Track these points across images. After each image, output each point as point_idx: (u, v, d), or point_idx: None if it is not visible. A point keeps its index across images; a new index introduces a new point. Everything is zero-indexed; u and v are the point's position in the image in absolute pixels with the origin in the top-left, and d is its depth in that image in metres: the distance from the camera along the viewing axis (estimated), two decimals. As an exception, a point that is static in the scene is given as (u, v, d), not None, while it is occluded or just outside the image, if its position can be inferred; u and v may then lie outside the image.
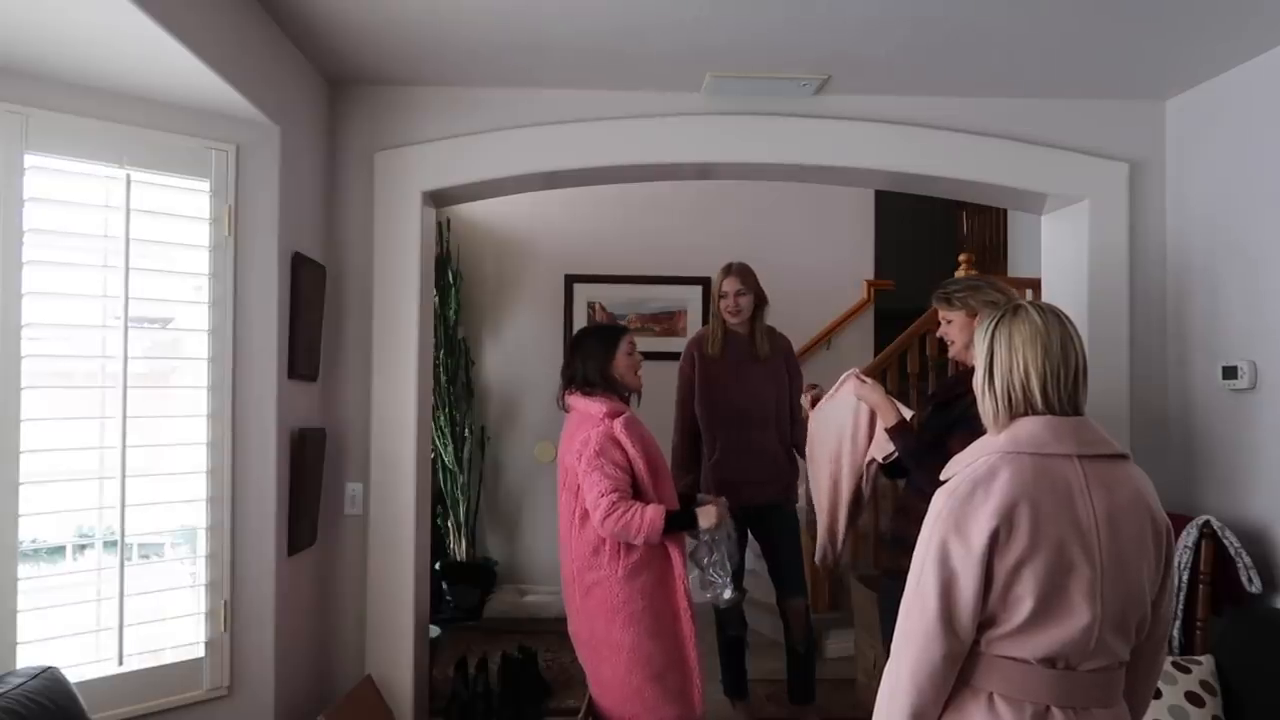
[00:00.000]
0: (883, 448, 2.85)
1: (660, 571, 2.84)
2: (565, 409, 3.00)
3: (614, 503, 2.74)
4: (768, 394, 3.53)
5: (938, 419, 2.69)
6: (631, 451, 2.81)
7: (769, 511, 3.51)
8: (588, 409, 2.87)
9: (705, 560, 2.93)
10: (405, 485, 3.39)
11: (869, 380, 2.89)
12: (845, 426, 2.99)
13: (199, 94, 2.61)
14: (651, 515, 2.74)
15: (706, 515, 2.88)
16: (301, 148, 3.12)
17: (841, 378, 3.00)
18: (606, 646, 2.84)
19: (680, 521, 2.84)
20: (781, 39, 2.99)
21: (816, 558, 3.19)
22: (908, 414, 2.80)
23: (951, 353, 2.77)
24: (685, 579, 2.86)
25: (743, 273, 3.58)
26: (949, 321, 2.71)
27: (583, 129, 3.45)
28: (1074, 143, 3.50)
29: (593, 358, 2.96)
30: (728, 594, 2.96)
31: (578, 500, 2.86)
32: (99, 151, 2.54)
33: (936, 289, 2.75)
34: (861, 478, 3.01)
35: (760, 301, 3.61)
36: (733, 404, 3.53)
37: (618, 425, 2.82)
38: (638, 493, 2.82)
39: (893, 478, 2.94)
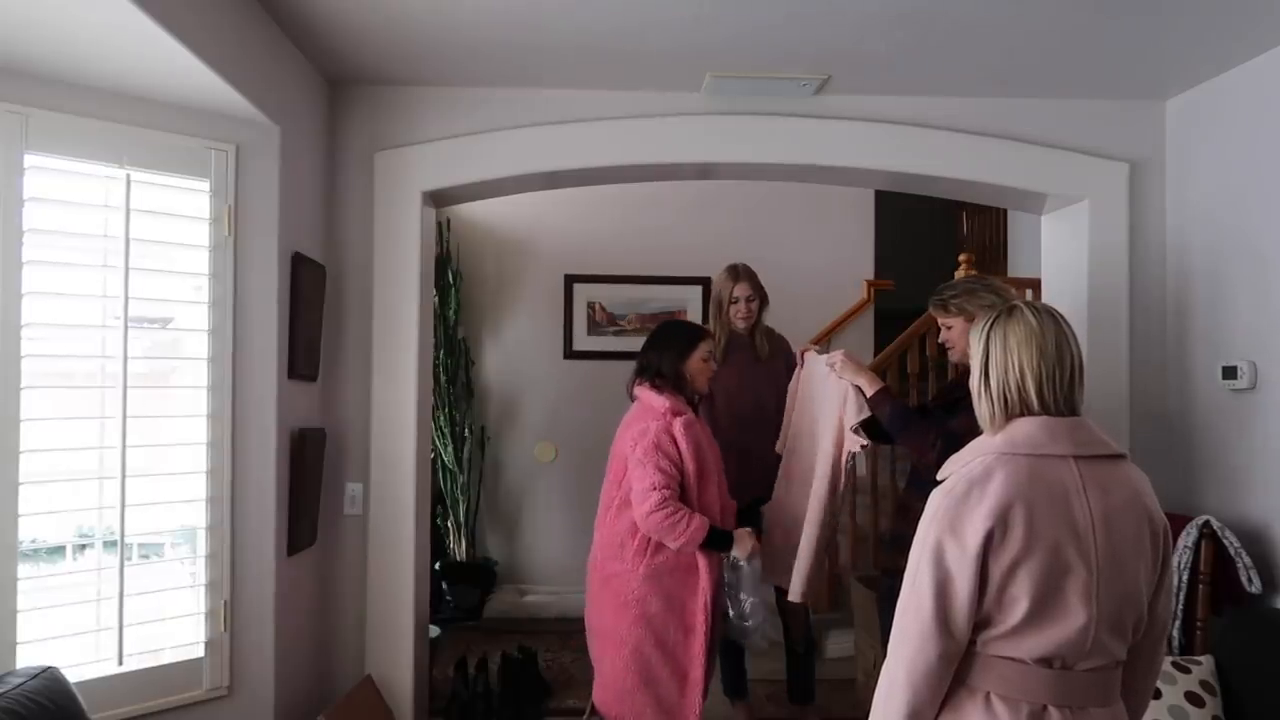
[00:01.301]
0: (858, 417, 2.89)
1: (683, 583, 2.84)
2: (632, 398, 3.04)
3: (665, 499, 2.77)
4: (767, 396, 3.52)
5: (942, 419, 2.71)
6: (685, 452, 2.84)
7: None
8: (652, 402, 2.93)
9: (743, 598, 2.94)
10: (405, 485, 3.39)
11: (837, 356, 2.93)
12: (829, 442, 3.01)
13: (199, 94, 2.62)
14: (698, 525, 2.78)
15: (741, 542, 2.90)
16: (301, 148, 3.12)
17: (823, 360, 3.03)
18: (612, 639, 2.87)
19: (717, 540, 2.86)
20: (781, 38, 2.99)
21: (798, 594, 3.09)
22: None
23: (954, 357, 2.80)
24: (709, 597, 2.84)
25: (751, 276, 3.55)
26: (948, 327, 2.73)
27: (583, 129, 3.45)
28: (1074, 143, 3.50)
29: (670, 351, 3.00)
30: (762, 639, 2.99)
31: (620, 488, 2.90)
32: (99, 151, 2.55)
33: (933, 295, 2.77)
34: (839, 479, 3.02)
35: (764, 303, 3.60)
36: (734, 408, 3.51)
37: (678, 424, 2.86)
38: (682, 494, 2.85)
39: (875, 440, 2.97)
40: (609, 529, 2.93)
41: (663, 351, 3.00)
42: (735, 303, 3.53)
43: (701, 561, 2.84)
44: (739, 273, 3.56)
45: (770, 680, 3.99)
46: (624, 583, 2.85)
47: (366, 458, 3.40)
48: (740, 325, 3.56)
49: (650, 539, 2.83)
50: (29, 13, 2.12)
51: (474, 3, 2.74)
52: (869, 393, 2.83)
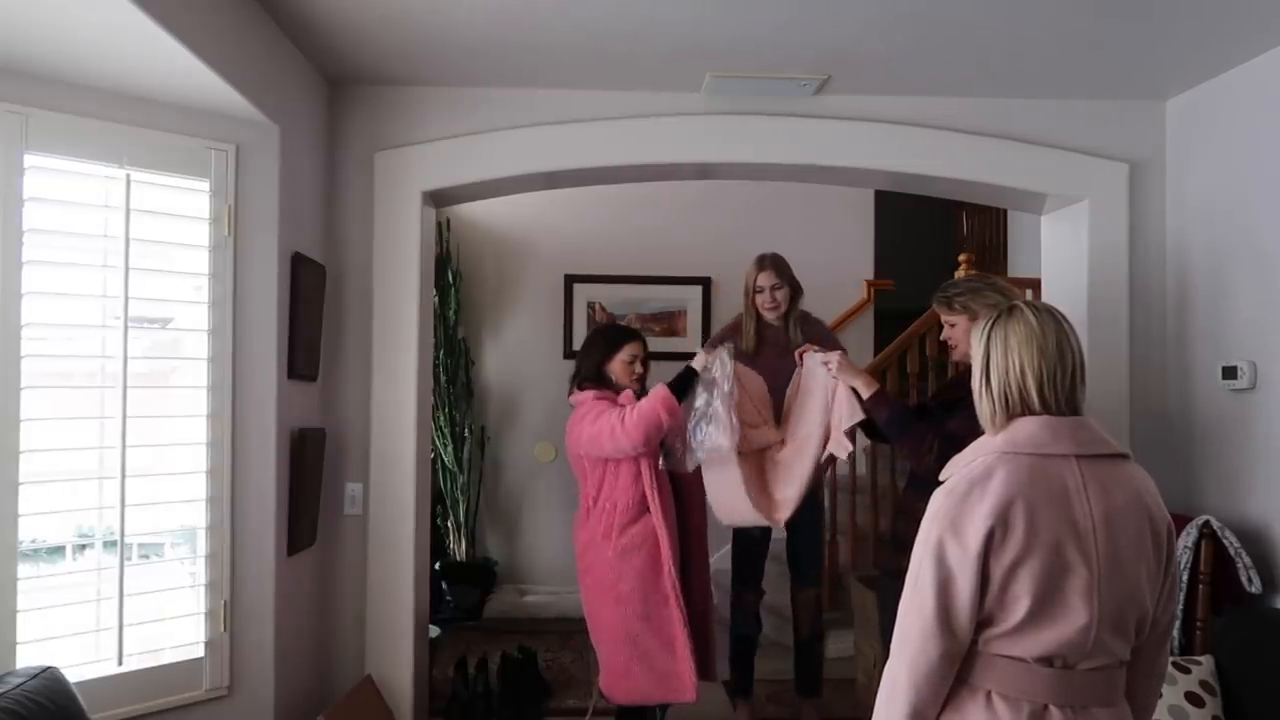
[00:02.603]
0: (851, 420, 2.99)
1: (651, 554, 2.94)
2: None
3: (622, 412, 2.91)
4: None
5: (940, 419, 2.70)
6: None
7: None
8: (581, 399, 3.06)
9: (699, 414, 3.03)
10: (405, 485, 3.39)
11: (834, 358, 2.99)
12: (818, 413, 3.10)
13: (199, 94, 2.62)
14: (655, 391, 2.93)
15: (697, 360, 3.06)
16: (301, 148, 3.12)
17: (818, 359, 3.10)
18: (600, 625, 3.02)
19: (683, 381, 3.01)
20: (781, 39, 2.99)
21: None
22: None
23: (956, 356, 2.80)
24: (673, 564, 2.93)
25: (777, 265, 3.49)
26: (952, 325, 2.72)
27: (582, 129, 3.45)
28: (1074, 143, 3.50)
29: (594, 353, 3.12)
30: (723, 440, 2.99)
31: (587, 487, 3.05)
32: (99, 151, 2.55)
33: (937, 291, 2.76)
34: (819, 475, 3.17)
35: (796, 293, 3.53)
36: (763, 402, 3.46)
37: (621, 397, 3.00)
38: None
39: (874, 439, 3.02)
40: (587, 527, 3.06)
41: (587, 354, 3.15)
42: (760, 292, 3.48)
43: (663, 535, 2.93)
44: (764, 261, 3.51)
45: (771, 680, 4.00)
46: (599, 568, 2.98)
47: (366, 458, 3.40)
48: (768, 315, 3.51)
49: (614, 523, 2.94)
50: (29, 13, 2.11)
51: (473, 2, 2.74)
52: (865, 395, 2.84)
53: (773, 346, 3.50)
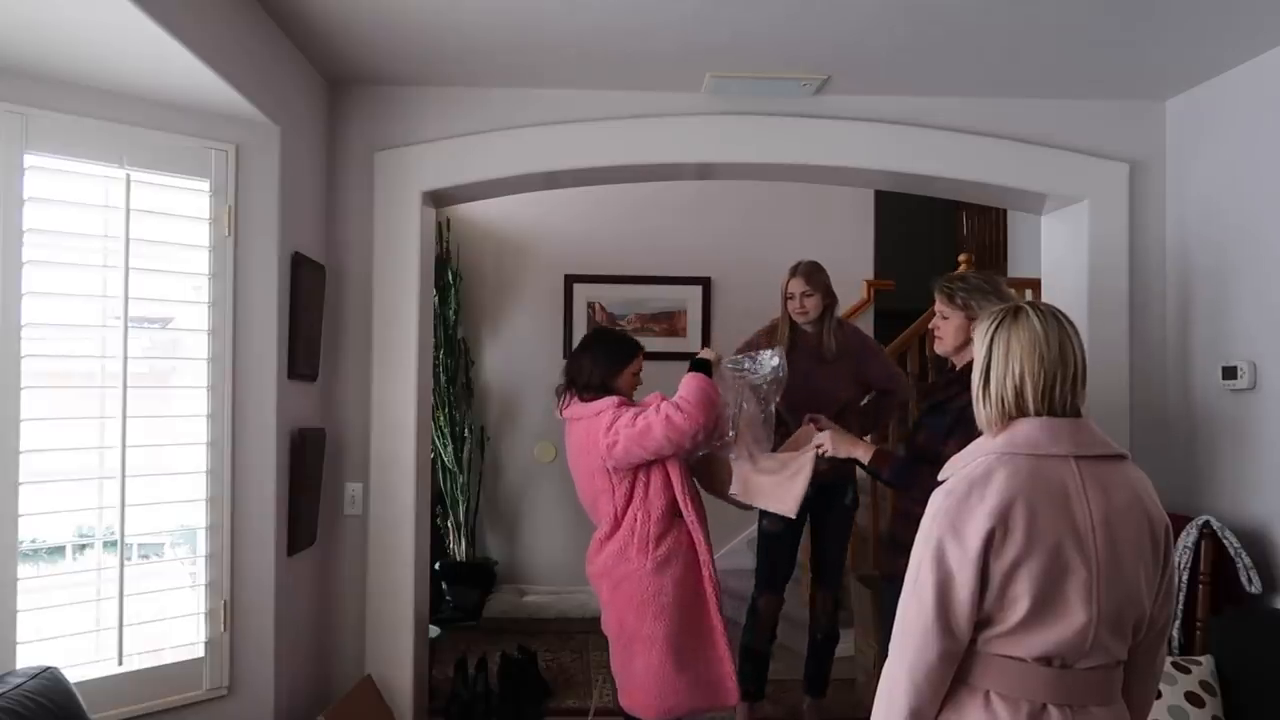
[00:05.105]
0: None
1: (688, 559, 2.87)
2: (563, 416, 2.97)
3: (661, 404, 2.77)
4: (831, 395, 3.45)
5: (933, 420, 2.68)
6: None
7: (824, 494, 3.43)
8: (593, 409, 2.87)
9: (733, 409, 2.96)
10: (405, 485, 3.39)
11: (824, 429, 2.89)
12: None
13: (199, 94, 2.62)
14: (690, 377, 2.83)
15: (706, 351, 2.98)
16: (301, 148, 3.12)
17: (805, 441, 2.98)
18: (639, 640, 2.84)
19: (701, 366, 2.91)
20: (781, 39, 2.99)
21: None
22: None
23: (938, 348, 2.76)
24: (711, 566, 2.87)
25: (809, 273, 3.47)
26: (945, 318, 2.69)
27: (583, 129, 3.45)
28: (1074, 143, 3.50)
29: (603, 363, 2.94)
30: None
31: (613, 502, 2.88)
32: (99, 151, 2.55)
33: (941, 279, 2.74)
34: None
35: (829, 301, 3.51)
36: (793, 406, 3.37)
37: (649, 397, 2.88)
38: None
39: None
40: (612, 541, 2.90)
41: (598, 360, 2.94)
42: (791, 298, 3.47)
43: (699, 539, 2.87)
44: (797, 269, 3.49)
45: (771, 680, 3.98)
46: (635, 582, 2.84)
47: (366, 458, 3.40)
48: (799, 321, 3.50)
49: (649, 534, 2.83)
50: (29, 13, 2.11)
51: (474, 3, 2.74)
52: (866, 460, 2.75)
53: (804, 350, 3.49)
